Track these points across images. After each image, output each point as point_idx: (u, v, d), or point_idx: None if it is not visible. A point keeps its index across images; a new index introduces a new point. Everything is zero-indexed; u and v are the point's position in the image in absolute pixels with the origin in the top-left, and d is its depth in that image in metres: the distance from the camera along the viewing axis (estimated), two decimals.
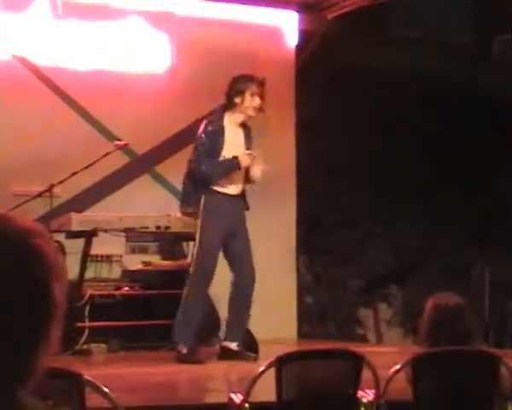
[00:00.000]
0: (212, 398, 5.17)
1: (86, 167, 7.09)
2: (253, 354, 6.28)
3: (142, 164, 8.37)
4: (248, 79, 6.43)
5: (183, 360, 6.14)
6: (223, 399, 4.13)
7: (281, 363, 3.65)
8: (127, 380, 5.41)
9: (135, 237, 7.31)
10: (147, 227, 7.12)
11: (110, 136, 7.99)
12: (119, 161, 8.02)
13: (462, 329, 3.84)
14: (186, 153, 8.51)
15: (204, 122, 6.48)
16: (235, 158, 6.26)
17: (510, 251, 8.76)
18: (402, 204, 8.99)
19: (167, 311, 7.12)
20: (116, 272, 7.65)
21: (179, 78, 8.40)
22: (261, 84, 6.37)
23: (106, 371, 5.60)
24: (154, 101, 8.27)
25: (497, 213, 8.97)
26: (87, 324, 6.84)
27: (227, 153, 6.32)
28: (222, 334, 7.19)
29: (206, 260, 6.29)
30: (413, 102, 9.13)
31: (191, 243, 7.46)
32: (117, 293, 7.17)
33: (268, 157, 8.68)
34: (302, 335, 8.46)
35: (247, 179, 6.40)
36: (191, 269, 6.36)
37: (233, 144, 6.38)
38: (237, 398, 3.78)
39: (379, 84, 8.87)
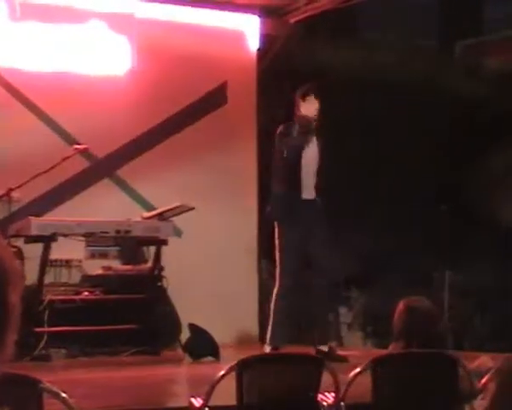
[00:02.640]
0: (172, 402, 5.18)
1: (45, 171, 7.04)
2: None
3: (102, 168, 8.33)
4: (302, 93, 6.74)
5: None
6: (183, 403, 4.14)
7: (242, 367, 3.67)
8: (87, 385, 5.39)
9: (95, 241, 7.28)
10: (107, 232, 7.10)
11: (70, 139, 7.96)
12: (78, 164, 7.98)
13: (434, 334, 3.89)
14: (147, 157, 8.53)
15: None
16: None
17: (471, 255, 8.86)
18: (364, 209, 9.05)
19: (128, 316, 7.11)
20: (76, 277, 7.62)
21: (140, 80, 8.38)
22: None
23: (65, 377, 5.57)
24: (114, 104, 8.25)
25: (458, 217, 9.07)
26: (46, 329, 6.80)
27: None
28: (183, 338, 7.20)
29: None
30: (377, 104, 9.19)
31: (152, 248, 7.47)
32: (77, 298, 7.14)
33: (230, 161, 8.74)
34: (264, 339, 8.47)
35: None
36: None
37: None
38: (197, 402, 3.79)
39: (341, 88, 8.92)
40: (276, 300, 6.58)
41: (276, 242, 6.61)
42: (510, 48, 9.65)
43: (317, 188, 6.65)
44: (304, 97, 6.63)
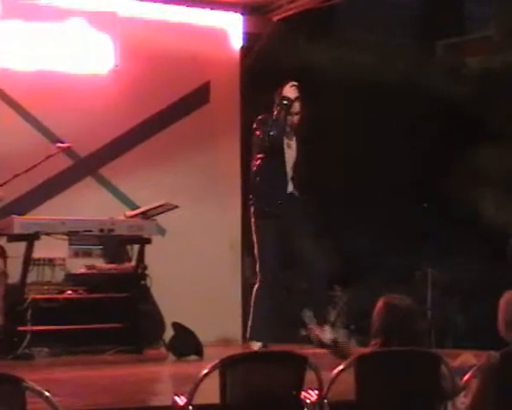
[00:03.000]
0: (155, 401, 5.18)
1: (28, 170, 7.02)
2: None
3: (85, 166, 8.32)
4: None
5: None
6: (166, 401, 4.14)
7: (225, 365, 3.67)
8: (70, 384, 5.38)
9: (78, 240, 7.26)
10: (90, 230, 7.08)
11: (52, 138, 7.93)
12: (61, 163, 7.97)
13: (413, 331, 3.90)
14: (130, 155, 8.51)
15: None
16: None
17: (453, 253, 8.90)
18: (346, 207, 9.07)
19: (111, 314, 7.10)
20: (59, 276, 7.60)
21: (123, 79, 8.37)
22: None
23: (48, 376, 5.56)
24: (97, 102, 8.23)
25: (440, 214, 9.10)
26: (29, 328, 6.78)
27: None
28: (166, 337, 7.19)
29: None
30: (359, 103, 9.21)
31: (135, 247, 7.46)
32: (60, 297, 7.13)
33: (213, 159, 8.74)
34: (246, 337, 8.48)
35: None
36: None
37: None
38: (181, 401, 3.79)
39: (325, 86, 8.94)
40: (257, 296, 6.52)
41: (255, 237, 6.55)
42: (491, 47, 9.70)
43: (294, 182, 6.61)
44: (284, 86, 6.65)
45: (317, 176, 8.71)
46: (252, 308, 6.54)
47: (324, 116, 8.90)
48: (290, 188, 6.57)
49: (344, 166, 9.21)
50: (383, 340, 3.92)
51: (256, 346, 6.43)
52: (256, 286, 6.54)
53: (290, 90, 6.59)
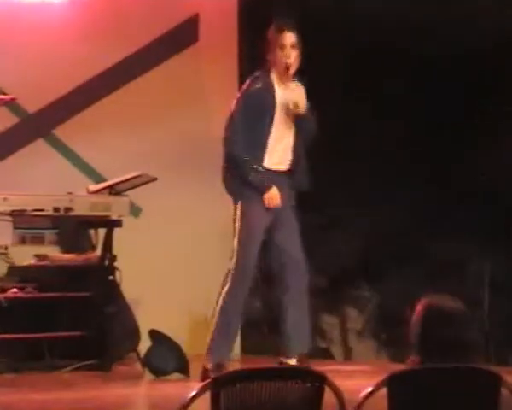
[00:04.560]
0: None
1: None
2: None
3: (34, 126, 8.35)
4: (278, 28, 6.64)
5: (204, 377, 6.03)
6: None
7: (218, 385, 3.70)
8: None
9: (25, 222, 7.30)
10: (42, 209, 7.13)
11: None
12: (4, 120, 7.99)
13: (462, 342, 3.93)
14: (93, 112, 8.52)
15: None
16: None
17: None
18: (376, 183, 9.07)
19: (69, 320, 7.15)
20: (1, 269, 7.64)
21: (83, 12, 8.37)
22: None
23: None
24: (49, 42, 8.23)
25: (498, 197, 9.10)
26: None
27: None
28: (142, 348, 7.24)
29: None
30: (369, 51, 9.18)
31: (101, 231, 7.50)
32: (2, 296, 7.16)
33: (202, 118, 8.75)
34: (248, 349, 8.54)
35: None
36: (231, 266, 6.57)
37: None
38: None
39: (330, 26, 8.93)
40: (224, 301, 6.49)
41: (238, 226, 6.55)
42: None
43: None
44: (278, 36, 6.63)
45: (331, 138, 8.75)
46: (218, 318, 6.46)
47: (330, 59, 8.87)
48: (286, 164, 6.62)
49: (370, 130, 9.21)
50: (423, 354, 3.95)
51: (209, 365, 6.33)
52: (227, 288, 6.51)
53: (286, 51, 6.61)
